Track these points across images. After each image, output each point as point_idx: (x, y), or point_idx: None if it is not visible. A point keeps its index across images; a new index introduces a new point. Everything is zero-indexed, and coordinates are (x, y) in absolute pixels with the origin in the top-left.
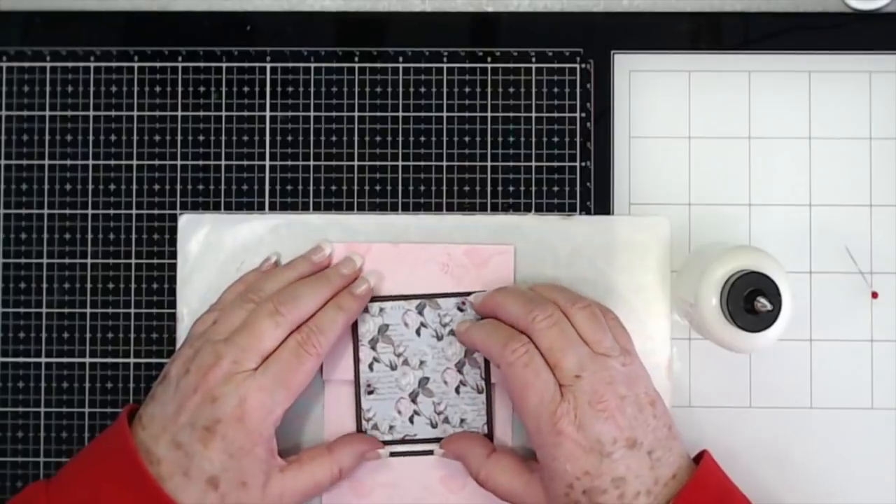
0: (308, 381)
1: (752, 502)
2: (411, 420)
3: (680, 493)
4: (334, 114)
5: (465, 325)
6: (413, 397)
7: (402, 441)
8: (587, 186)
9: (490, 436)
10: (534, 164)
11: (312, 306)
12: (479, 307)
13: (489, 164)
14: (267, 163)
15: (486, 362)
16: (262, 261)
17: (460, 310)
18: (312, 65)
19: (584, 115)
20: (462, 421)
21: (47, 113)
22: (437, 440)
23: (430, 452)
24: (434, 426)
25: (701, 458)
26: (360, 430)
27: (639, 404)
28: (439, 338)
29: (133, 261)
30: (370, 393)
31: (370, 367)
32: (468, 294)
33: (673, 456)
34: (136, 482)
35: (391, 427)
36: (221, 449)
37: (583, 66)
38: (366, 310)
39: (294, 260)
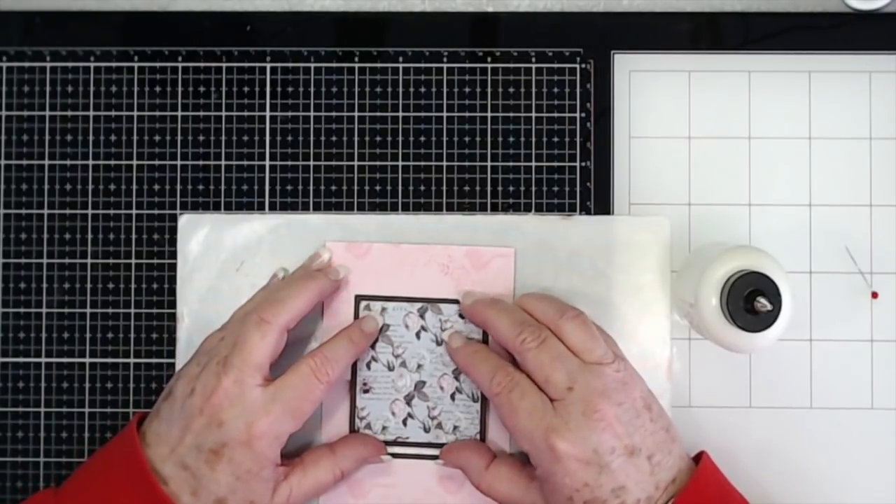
0: (315, 409)
1: (749, 503)
2: (405, 423)
3: (678, 495)
4: (334, 114)
5: (457, 343)
6: (408, 400)
7: (395, 443)
8: (587, 186)
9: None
10: (534, 164)
11: (300, 306)
12: (469, 313)
13: (489, 164)
14: (267, 163)
15: None
16: (265, 269)
17: (461, 317)
18: (312, 65)
19: (584, 115)
20: (455, 428)
21: (47, 113)
22: (429, 445)
23: (422, 457)
24: (427, 430)
25: (699, 459)
26: (353, 427)
27: (635, 409)
28: (439, 343)
29: (133, 261)
30: (366, 391)
31: (367, 365)
32: None
33: (672, 459)
34: (149, 500)
35: (384, 427)
36: (228, 472)
37: (583, 66)
38: (368, 308)
39: (294, 271)
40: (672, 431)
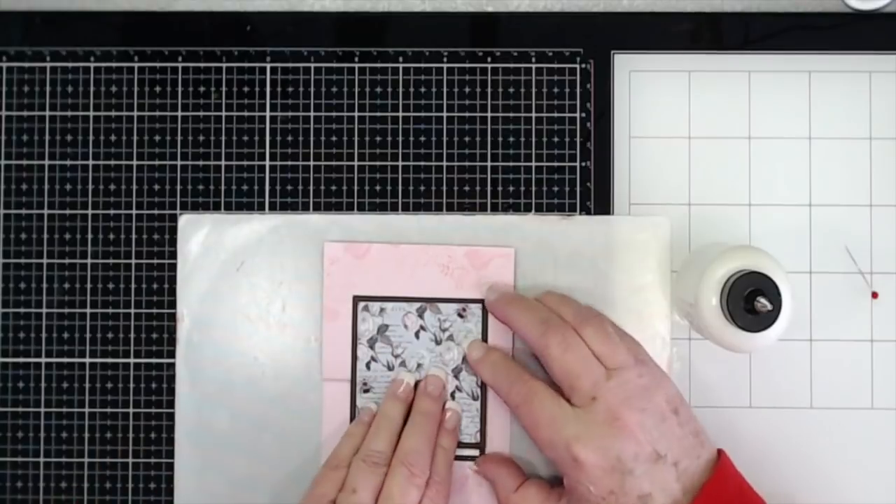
0: None
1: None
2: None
3: (700, 493)
4: (334, 114)
5: (476, 354)
6: None
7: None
8: (587, 186)
9: (483, 443)
10: (534, 164)
11: (431, 451)
12: (492, 308)
13: (489, 164)
14: (267, 163)
15: None
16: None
17: (460, 316)
18: (312, 65)
19: (584, 115)
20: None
21: (47, 113)
22: None
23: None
24: None
25: (718, 456)
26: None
27: (660, 414)
28: (438, 342)
29: (133, 261)
30: (366, 391)
31: (367, 365)
32: (469, 301)
33: (700, 464)
34: None
35: None
36: None
37: (583, 66)
38: (366, 308)
39: (386, 404)
40: (701, 436)
